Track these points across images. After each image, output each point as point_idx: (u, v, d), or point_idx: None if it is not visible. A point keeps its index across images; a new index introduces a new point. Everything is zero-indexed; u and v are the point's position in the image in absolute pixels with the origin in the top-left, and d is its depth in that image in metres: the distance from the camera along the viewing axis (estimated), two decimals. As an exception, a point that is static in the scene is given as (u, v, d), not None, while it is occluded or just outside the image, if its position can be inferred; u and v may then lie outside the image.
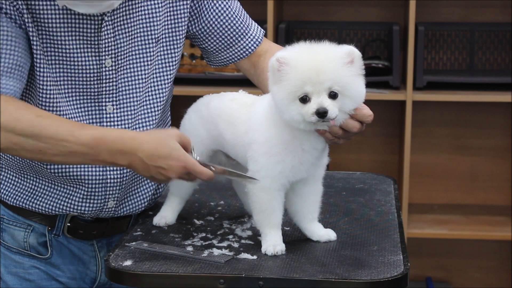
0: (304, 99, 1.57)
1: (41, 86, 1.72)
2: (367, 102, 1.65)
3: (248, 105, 1.74)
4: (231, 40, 1.93)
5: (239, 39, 1.93)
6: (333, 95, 1.57)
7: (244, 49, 1.94)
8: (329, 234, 1.75)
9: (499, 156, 3.66)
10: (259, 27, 1.99)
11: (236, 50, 1.94)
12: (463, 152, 3.69)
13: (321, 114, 1.54)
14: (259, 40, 1.96)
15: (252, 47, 1.94)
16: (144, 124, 1.84)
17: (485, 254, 3.72)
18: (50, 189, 1.83)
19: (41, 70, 1.72)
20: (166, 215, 1.86)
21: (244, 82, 2.55)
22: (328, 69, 1.56)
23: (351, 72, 1.59)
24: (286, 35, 3.34)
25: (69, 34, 1.71)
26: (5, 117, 1.60)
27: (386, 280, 1.55)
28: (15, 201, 1.85)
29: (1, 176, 1.86)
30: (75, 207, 1.82)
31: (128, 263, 1.63)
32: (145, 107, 1.83)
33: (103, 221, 1.88)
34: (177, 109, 1.92)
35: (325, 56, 1.57)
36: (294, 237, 1.76)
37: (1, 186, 1.86)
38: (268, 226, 1.68)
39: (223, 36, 1.92)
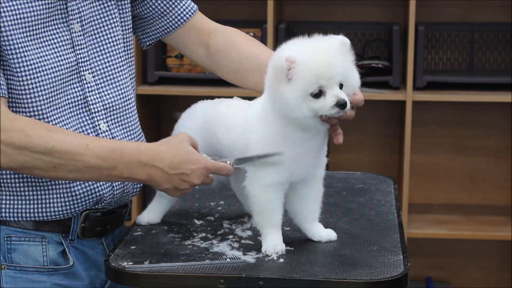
0: (318, 94, 1.58)
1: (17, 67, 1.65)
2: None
3: (244, 109, 1.74)
4: (166, 6, 1.90)
5: (174, 6, 1.90)
6: (340, 86, 1.60)
7: (180, 16, 1.91)
8: (329, 235, 1.75)
9: (499, 156, 3.66)
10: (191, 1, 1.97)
11: (172, 18, 1.91)
12: (463, 152, 3.69)
13: (343, 105, 1.58)
14: (193, 9, 1.93)
15: (188, 14, 1.92)
16: (123, 91, 1.81)
17: (485, 254, 3.73)
18: (56, 190, 1.73)
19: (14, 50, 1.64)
20: (151, 215, 1.86)
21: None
22: (338, 63, 1.59)
23: (351, 62, 1.63)
24: (286, 35, 3.34)
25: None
26: (16, 135, 1.56)
27: (386, 280, 1.55)
28: (21, 216, 1.72)
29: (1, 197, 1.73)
30: (96, 194, 1.74)
31: (128, 263, 1.63)
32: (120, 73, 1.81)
33: (113, 213, 1.82)
34: (177, 110, 1.91)
35: (331, 50, 1.60)
36: (294, 237, 1.76)
37: (2, 207, 1.73)
38: (268, 226, 1.68)
39: (158, 2, 1.89)
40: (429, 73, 3.46)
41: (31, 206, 1.73)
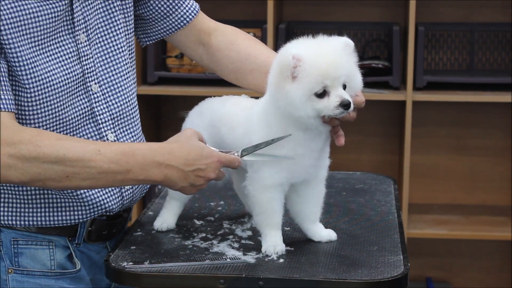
0: (322, 94, 1.58)
1: (25, 80, 1.62)
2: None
3: (247, 109, 1.74)
4: (169, 7, 1.89)
5: (177, 7, 1.89)
6: (343, 87, 1.60)
7: (183, 18, 1.90)
8: (330, 235, 1.75)
9: (499, 156, 3.66)
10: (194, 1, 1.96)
11: (175, 19, 1.90)
12: (463, 152, 3.69)
13: (347, 106, 1.58)
14: (196, 9, 1.92)
15: (191, 15, 1.91)
16: (129, 98, 1.80)
17: (485, 254, 3.72)
18: (64, 200, 1.71)
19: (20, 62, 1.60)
20: (167, 220, 1.85)
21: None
22: (344, 64, 1.60)
23: (355, 63, 1.63)
24: (286, 35, 3.34)
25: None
26: (26, 147, 1.51)
27: (386, 280, 1.55)
28: (28, 223, 1.70)
29: (7, 204, 1.70)
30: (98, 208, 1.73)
31: (128, 263, 1.63)
32: (126, 80, 1.78)
33: (118, 217, 1.81)
34: (178, 110, 1.92)
35: (337, 51, 1.60)
36: (294, 237, 1.77)
37: (9, 213, 1.71)
38: (268, 227, 1.69)
39: (161, 3, 1.88)
40: (429, 73, 3.46)
41: (38, 215, 1.70)
